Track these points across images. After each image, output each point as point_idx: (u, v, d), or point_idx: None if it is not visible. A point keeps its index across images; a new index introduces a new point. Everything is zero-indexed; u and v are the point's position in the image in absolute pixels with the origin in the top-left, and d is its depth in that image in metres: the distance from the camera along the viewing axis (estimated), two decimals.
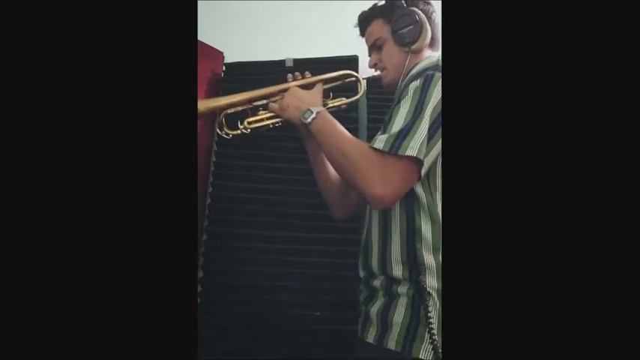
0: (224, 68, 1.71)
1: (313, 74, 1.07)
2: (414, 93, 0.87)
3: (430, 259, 0.86)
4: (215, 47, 1.70)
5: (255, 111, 1.05)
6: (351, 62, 1.60)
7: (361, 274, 1.02)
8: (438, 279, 0.85)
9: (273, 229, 1.50)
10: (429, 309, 0.83)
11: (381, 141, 0.85)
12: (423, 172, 0.84)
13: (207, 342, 1.43)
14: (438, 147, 0.85)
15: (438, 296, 0.84)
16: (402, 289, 0.88)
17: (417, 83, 0.88)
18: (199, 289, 1.48)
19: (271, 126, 1.05)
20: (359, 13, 1.11)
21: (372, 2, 1.11)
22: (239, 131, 1.04)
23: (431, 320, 0.82)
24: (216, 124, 1.05)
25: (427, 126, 0.83)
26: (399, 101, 0.90)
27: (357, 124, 1.56)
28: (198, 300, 1.46)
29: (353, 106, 1.12)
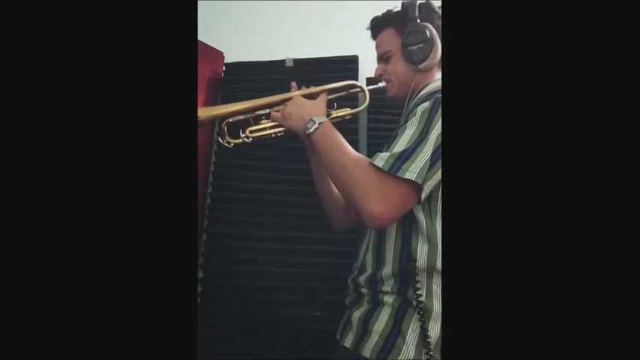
0: (224, 68, 1.71)
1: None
2: (421, 115, 0.86)
3: (423, 278, 0.85)
4: (215, 47, 1.70)
5: (257, 120, 1.04)
6: (351, 62, 1.60)
7: (350, 285, 1.02)
8: (429, 298, 0.84)
9: (272, 229, 1.50)
10: (424, 323, 0.83)
11: (382, 159, 0.83)
12: (423, 196, 0.82)
13: (207, 342, 1.43)
14: (440, 173, 0.82)
15: (427, 315, 0.83)
16: (388, 298, 0.88)
17: (425, 105, 0.86)
18: (199, 289, 1.49)
19: (273, 135, 1.04)
20: (371, 17, 1.10)
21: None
22: (240, 140, 1.03)
23: (428, 337, 0.82)
24: (216, 133, 1.05)
25: (431, 150, 0.81)
26: (405, 121, 0.88)
27: (358, 129, 1.57)
28: (199, 300, 1.46)
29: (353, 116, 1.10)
